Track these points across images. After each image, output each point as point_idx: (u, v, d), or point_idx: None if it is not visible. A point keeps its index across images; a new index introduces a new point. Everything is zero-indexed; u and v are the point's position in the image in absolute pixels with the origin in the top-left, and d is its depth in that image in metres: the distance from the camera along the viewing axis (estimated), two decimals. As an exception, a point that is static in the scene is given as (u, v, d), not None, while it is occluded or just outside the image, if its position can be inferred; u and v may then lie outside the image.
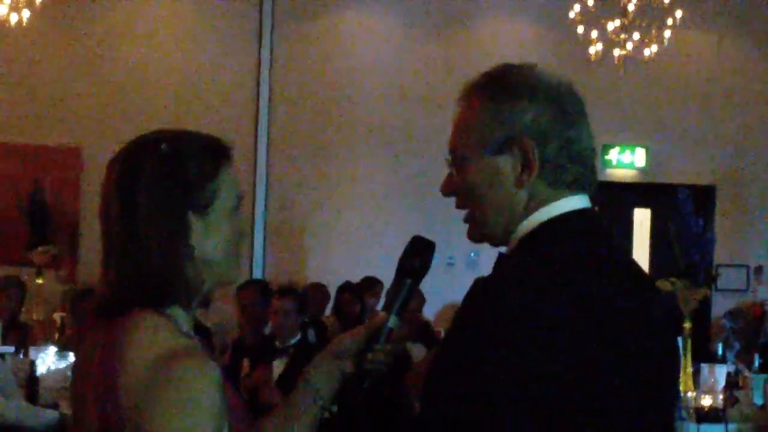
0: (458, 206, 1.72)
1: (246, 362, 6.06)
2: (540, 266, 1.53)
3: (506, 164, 1.63)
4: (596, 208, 1.70)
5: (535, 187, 1.63)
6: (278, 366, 5.57)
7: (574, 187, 1.64)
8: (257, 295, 6.84)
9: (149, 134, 1.70)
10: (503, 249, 1.68)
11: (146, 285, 1.61)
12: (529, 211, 1.63)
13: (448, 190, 1.72)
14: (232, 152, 1.74)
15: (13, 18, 7.94)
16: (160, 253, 1.61)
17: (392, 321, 1.91)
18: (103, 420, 1.57)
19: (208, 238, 1.67)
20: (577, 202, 1.65)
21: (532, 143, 1.61)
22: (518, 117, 1.62)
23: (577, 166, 1.64)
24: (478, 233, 1.71)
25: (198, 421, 1.49)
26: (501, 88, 1.65)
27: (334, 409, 1.91)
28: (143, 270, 1.61)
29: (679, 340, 5.75)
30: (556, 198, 1.63)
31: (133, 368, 1.54)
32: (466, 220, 1.72)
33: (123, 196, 1.63)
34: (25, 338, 6.64)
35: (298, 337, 5.71)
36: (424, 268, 1.93)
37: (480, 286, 1.52)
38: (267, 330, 6.60)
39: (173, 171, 1.64)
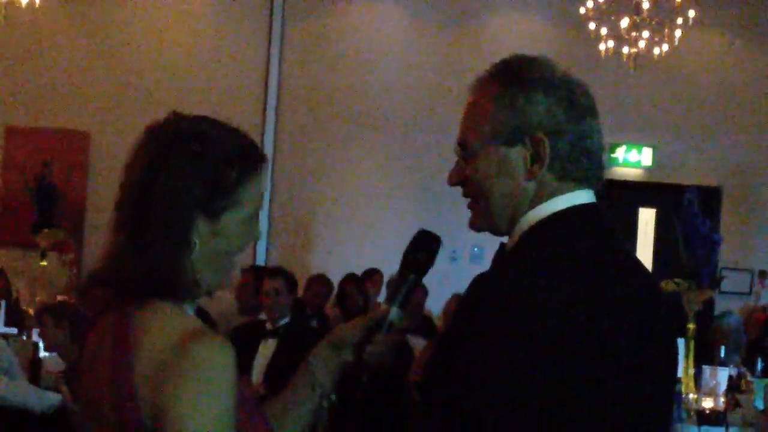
0: (465, 195, 1.72)
1: None
2: (541, 264, 1.53)
3: (518, 156, 1.64)
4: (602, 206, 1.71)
5: (544, 180, 1.64)
6: (268, 347, 5.59)
7: (581, 182, 1.65)
8: (250, 279, 6.97)
9: (185, 123, 1.67)
10: (505, 239, 1.69)
11: (145, 275, 1.60)
12: (534, 203, 1.64)
13: (456, 179, 1.72)
14: (264, 160, 1.71)
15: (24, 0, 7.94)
16: (160, 244, 1.61)
17: (394, 313, 1.89)
18: (118, 412, 1.56)
19: (214, 240, 1.65)
20: (582, 196, 1.65)
21: (544, 136, 1.62)
22: (532, 109, 1.63)
23: (585, 162, 1.65)
24: (481, 223, 1.71)
25: (219, 399, 1.50)
26: (516, 80, 1.65)
27: (334, 398, 1.91)
28: (142, 258, 1.60)
29: (682, 341, 5.73)
30: (562, 191, 1.64)
31: (150, 356, 1.53)
32: (470, 208, 1.72)
33: (144, 182, 1.62)
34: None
35: (288, 318, 5.73)
36: (428, 262, 1.90)
37: (481, 283, 1.52)
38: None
39: (197, 173, 1.62)
